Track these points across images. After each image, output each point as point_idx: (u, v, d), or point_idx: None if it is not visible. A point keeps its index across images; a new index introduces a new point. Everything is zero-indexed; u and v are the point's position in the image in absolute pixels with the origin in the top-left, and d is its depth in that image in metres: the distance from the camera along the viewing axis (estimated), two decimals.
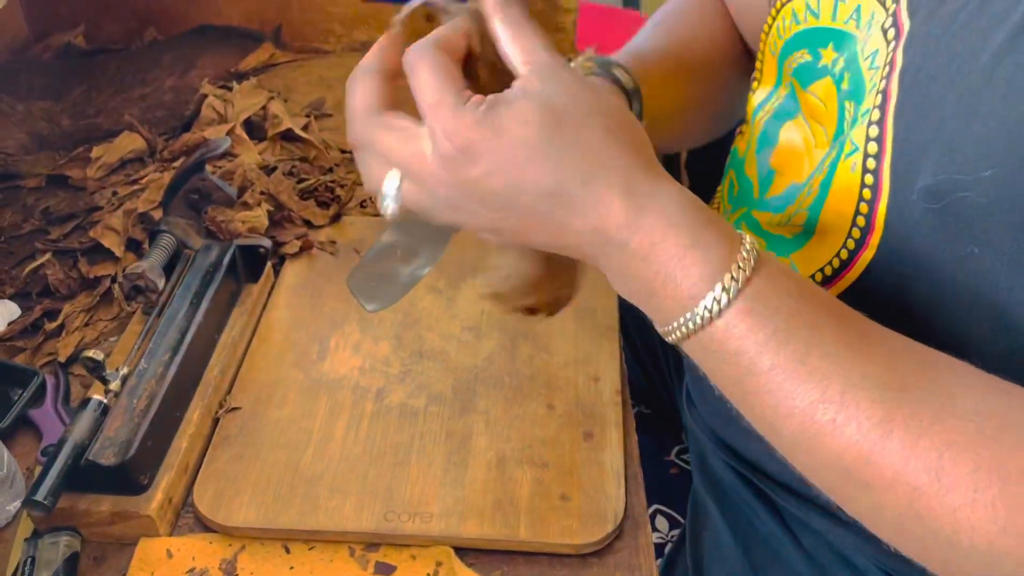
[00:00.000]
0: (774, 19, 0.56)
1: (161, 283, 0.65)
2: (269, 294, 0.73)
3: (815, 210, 0.50)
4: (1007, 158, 0.38)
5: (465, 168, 0.40)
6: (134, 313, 0.70)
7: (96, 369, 0.57)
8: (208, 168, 0.69)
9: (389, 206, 0.44)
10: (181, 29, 1.07)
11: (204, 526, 0.57)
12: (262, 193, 0.79)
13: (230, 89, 0.95)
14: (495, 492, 0.57)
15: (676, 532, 0.74)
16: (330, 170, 0.86)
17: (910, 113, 0.43)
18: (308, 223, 0.80)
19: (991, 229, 0.40)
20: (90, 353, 0.57)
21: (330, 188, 0.83)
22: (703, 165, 0.82)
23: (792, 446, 0.40)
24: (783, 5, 0.55)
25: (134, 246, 0.77)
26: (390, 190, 0.44)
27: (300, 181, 0.84)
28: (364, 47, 1.07)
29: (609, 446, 0.60)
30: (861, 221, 0.46)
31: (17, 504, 0.57)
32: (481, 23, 0.44)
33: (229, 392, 0.64)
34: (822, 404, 0.38)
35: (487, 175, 0.40)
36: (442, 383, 0.65)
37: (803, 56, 0.55)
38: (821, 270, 0.50)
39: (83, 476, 0.54)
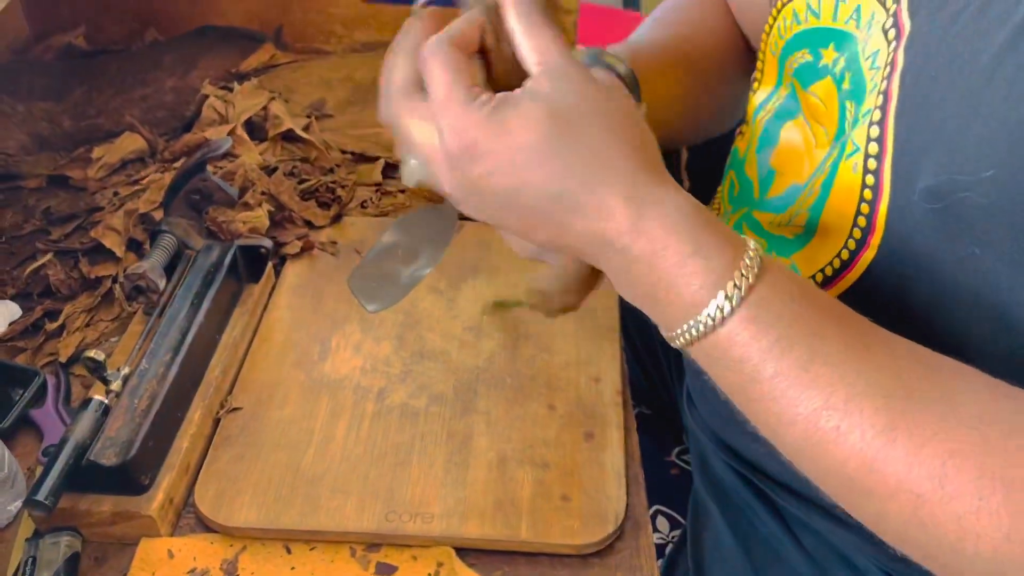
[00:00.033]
0: (775, 19, 0.56)
1: (162, 283, 0.65)
2: (270, 294, 0.73)
3: (816, 210, 0.50)
4: (1008, 159, 0.38)
5: (468, 167, 0.41)
6: (135, 313, 0.70)
7: (97, 369, 0.57)
8: (209, 168, 0.70)
9: (410, 179, 0.46)
10: (182, 30, 1.07)
11: (205, 526, 0.57)
12: (263, 193, 0.79)
13: (231, 90, 0.95)
14: (496, 492, 0.57)
15: (677, 533, 0.74)
16: (331, 171, 0.86)
17: (911, 114, 0.43)
18: (309, 223, 0.80)
19: (992, 230, 0.40)
20: (91, 353, 0.57)
21: (331, 188, 0.83)
22: (703, 165, 0.82)
23: (796, 453, 0.40)
24: (784, 5, 0.55)
25: (135, 246, 0.77)
26: (410, 166, 0.46)
27: (301, 182, 0.84)
28: (365, 48, 1.07)
29: (610, 447, 0.60)
30: (862, 221, 0.46)
31: (18, 504, 0.57)
32: (497, 16, 0.44)
33: (230, 392, 0.64)
34: (825, 411, 0.37)
35: (489, 175, 0.40)
36: (443, 383, 0.65)
37: (804, 56, 0.55)
38: (822, 270, 0.50)
39: (84, 476, 0.54)
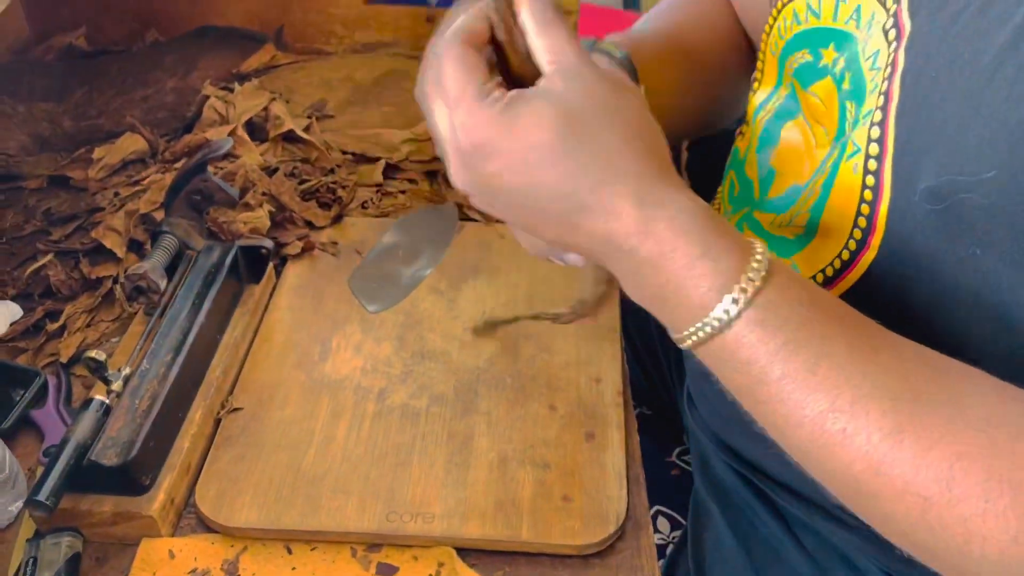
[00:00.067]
0: (775, 19, 0.56)
1: (163, 284, 0.65)
2: (271, 295, 0.73)
3: (816, 211, 0.50)
4: (1009, 160, 0.38)
5: (479, 164, 0.41)
6: (136, 314, 0.70)
7: (98, 370, 0.57)
8: (210, 169, 0.69)
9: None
10: (182, 30, 1.07)
11: (206, 527, 0.57)
12: (264, 194, 0.79)
13: (232, 90, 0.95)
14: (497, 493, 0.57)
15: (677, 533, 0.74)
16: (331, 171, 0.86)
17: (912, 114, 0.43)
18: (310, 224, 0.80)
19: (993, 230, 0.40)
20: (92, 353, 0.57)
21: (332, 189, 0.83)
22: (703, 165, 0.82)
23: (803, 455, 0.40)
24: (784, 5, 0.55)
25: (136, 247, 0.77)
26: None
27: (302, 182, 0.84)
28: (365, 48, 1.07)
29: (611, 447, 0.60)
30: (863, 222, 0.46)
31: (19, 504, 0.57)
32: (510, 11, 0.44)
33: (231, 393, 0.65)
34: (832, 414, 0.37)
35: (499, 173, 0.40)
36: (444, 384, 0.65)
37: (804, 56, 0.55)
38: (822, 271, 0.50)
39: (85, 476, 0.54)
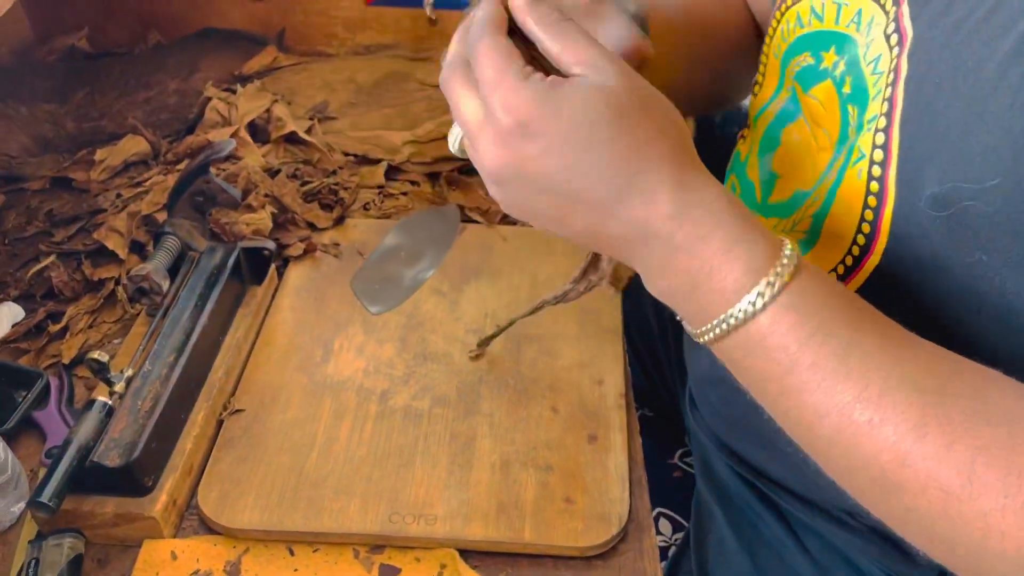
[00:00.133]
0: (778, 22, 0.56)
1: (165, 285, 0.65)
2: (273, 296, 0.73)
3: (820, 216, 0.50)
4: (1014, 167, 0.39)
5: (521, 144, 0.40)
6: (138, 315, 0.70)
7: (101, 371, 0.57)
8: (212, 170, 0.69)
9: (454, 145, 0.47)
10: (184, 32, 1.07)
11: (208, 528, 0.57)
12: (266, 195, 0.79)
13: (234, 92, 0.95)
14: (499, 494, 0.57)
15: (679, 535, 0.74)
16: (333, 173, 0.86)
17: (915, 121, 0.43)
18: (312, 225, 0.80)
19: (997, 237, 0.40)
20: (95, 355, 0.57)
21: (333, 191, 0.83)
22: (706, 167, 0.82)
23: (827, 447, 0.40)
24: (787, 9, 0.55)
25: (138, 248, 0.77)
26: (456, 136, 0.46)
27: (304, 184, 0.84)
28: (367, 50, 1.07)
29: (613, 449, 0.60)
30: (867, 228, 0.46)
31: (21, 506, 0.57)
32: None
33: (233, 394, 0.65)
34: (860, 404, 0.38)
35: (543, 153, 0.40)
36: (446, 385, 0.65)
37: (806, 59, 0.55)
38: None
39: (87, 478, 0.54)
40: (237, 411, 0.63)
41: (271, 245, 0.72)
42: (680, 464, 0.80)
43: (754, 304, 0.39)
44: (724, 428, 0.64)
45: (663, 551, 0.72)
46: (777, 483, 0.60)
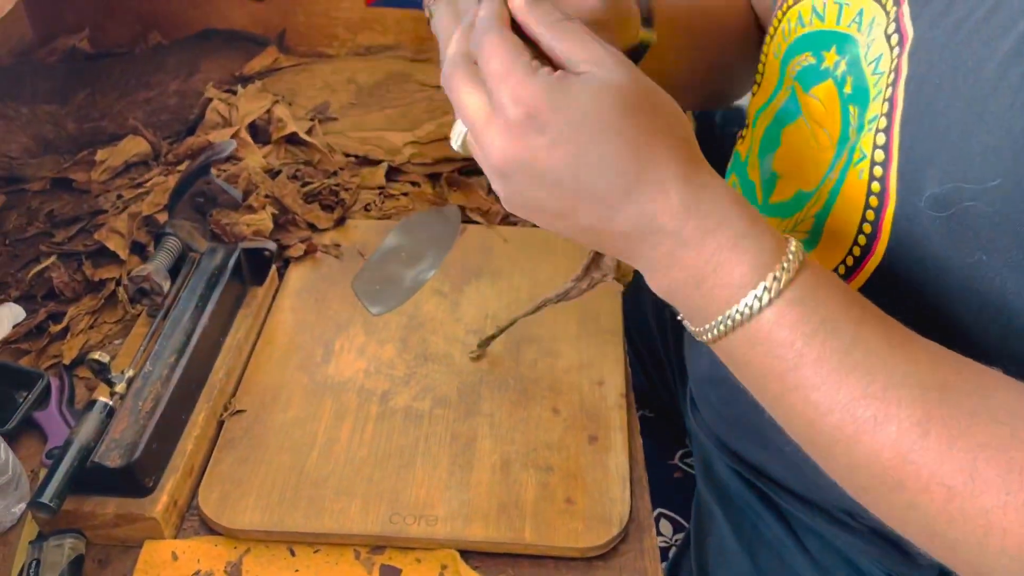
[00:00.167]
0: (779, 21, 0.57)
1: (166, 286, 0.66)
2: (274, 297, 0.73)
3: (822, 217, 0.50)
4: (1014, 168, 0.39)
5: (530, 136, 0.40)
6: (139, 316, 0.71)
7: (102, 371, 0.57)
8: (213, 171, 0.70)
9: (456, 142, 0.46)
10: (185, 33, 1.07)
11: (209, 529, 0.57)
12: (267, 196, 0.80)
13: (234, 93, 0.95)
14: (500, 495, 0.57)
15: (679, 536, 0.74)
16: (334, 173, 0.86)
17: (915, 122, 0.43)
18: (312, 226, 0.80)
19: (998, 237, 0.40)
20: (96, 355, 0.57)
21: (334, 191, 0.83)
22: None
23: (829, 444, 0.40)
24: (789, 8, 0.55)
25: (139, 249, 0.77)
26: (458, 134, 0.46)
27: (304, 184, 0.84)
28: (368, 51, 1.07)
29: (614, 450, 0.60)
30: (868, 228, 0.46)
31: (22, 506, 0.57)
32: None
33: (234, 395, 0.65)
34: (864, 400, 0.38)
35: (552, 144, 0.39)
36: (447, 386, 0.65)
37: (807, 59, 0.55)
38: None
39: (88, 478, 0.54)
40: (238, 412, 0.63)
41: (272, 246, 0.72)
42: (680, 465, 0.80)
43: (760, 299, 0.39)
44: (724, 428, 0.64)
45: (663, 552, 0.72)
46: (777, 483, 0.60)
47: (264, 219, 0.77)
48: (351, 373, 0.66)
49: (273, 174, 0.84)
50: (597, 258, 0.56)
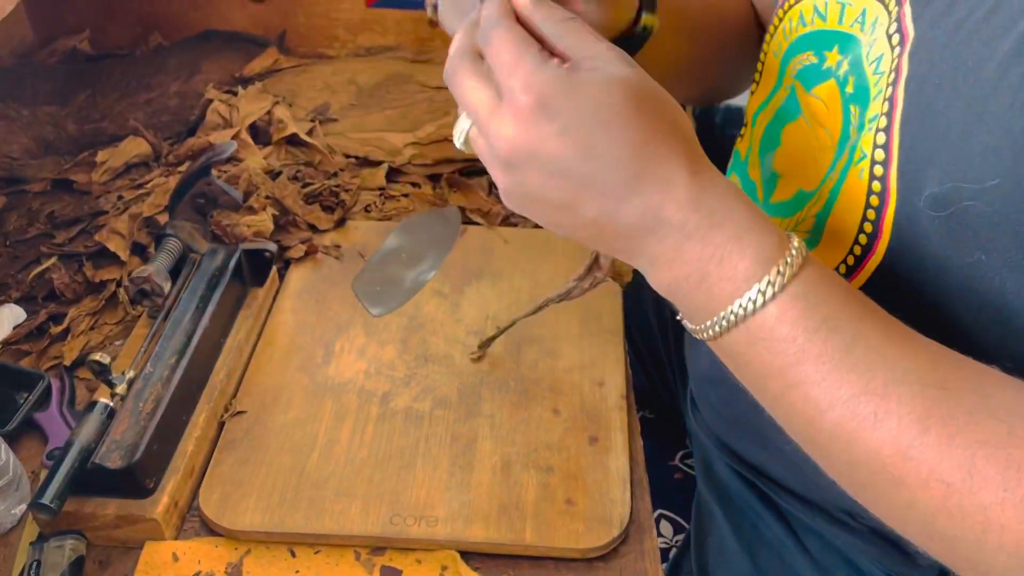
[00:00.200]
0: (780, 20, 0.57)
1: (167, 287, 0.66)
2: (274, 298, 0.73)
3: (822, 216, 0.50)
4: (1013, 168, 0.39)
5: (540, 124, 0.39)
6: (139, 317, 0.71)
7: (102, 372, 0.57)
8: (214, 172, 0.70)
9: (459, 138, 0.46)
10: (186, 34, 1.07)
11: (210, 530, 0.57)
12: (267, 197, 0.80)
13: (235, 94, 0.95)
14: (501, 496, 0.57)
15: (680, 537, 0.74)
16: (335, 175, 0.86)
17: (916, 122, 0.43)
18: (313, 227, 0.80)
19: (997, 237, 0.40)
20: (97, 356, 0.57)
21: (335, 192, 0.83)
22: None
23: (828, 441, 0.39)
24: (790, 7, 0.56)
25: (139, 250, 0.77)
26: (461, 131, 0.45)
27: (305, 185, 0.84)
28: (368, 52, 1.07)
29: (614, 450, 0.60)
30: (868, 227, 0.46)
31: (23, 507, 0.57)
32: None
33: (234, 396, 0.65)
34: (864, 396, 0.38)
35: (562, 132, 0.39)
36: (447, 387, 0.65)
37: (808, 58, 0.55)
38: None
39: (89, 479, 0.54)
40: (238, 413, 0.63)
41: (272, 247, 0.72)
42: (681, 466, 0.80)
43: (764, 293, 0.39)
44: (724, 428, 0.64)
45: (664, 553, 0.72)
46: (777, 483, 0.60)
47: (265, 220, 0.77)
48: (351, 374, 0.66)
49: (274, 175, 0.84)
50: (599, 257, 0.56)
